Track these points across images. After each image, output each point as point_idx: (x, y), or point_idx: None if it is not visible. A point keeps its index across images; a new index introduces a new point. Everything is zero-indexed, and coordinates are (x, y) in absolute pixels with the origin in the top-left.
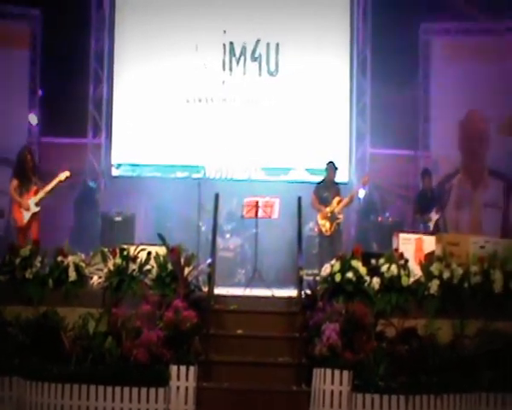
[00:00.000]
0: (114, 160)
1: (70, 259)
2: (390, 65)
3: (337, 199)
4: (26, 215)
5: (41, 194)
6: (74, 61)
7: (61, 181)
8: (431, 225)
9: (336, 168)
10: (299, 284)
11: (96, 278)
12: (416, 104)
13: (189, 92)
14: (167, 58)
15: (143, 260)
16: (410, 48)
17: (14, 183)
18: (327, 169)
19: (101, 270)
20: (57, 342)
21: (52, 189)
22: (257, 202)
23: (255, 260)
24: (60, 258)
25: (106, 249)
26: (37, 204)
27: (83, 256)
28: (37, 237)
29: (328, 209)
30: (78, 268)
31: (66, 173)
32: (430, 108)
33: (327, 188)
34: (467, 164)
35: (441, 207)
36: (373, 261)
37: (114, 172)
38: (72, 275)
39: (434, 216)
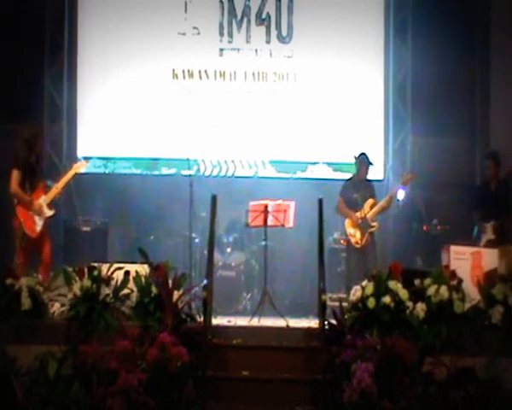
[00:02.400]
0: (80, 152)
1: (23, 281)
2: (438, 27)
3: (370, 202)
4: (39, 222)
5: (53, 192)
6: (24, 22)
7: (77, 174)
8: (483, 238)
9: (370, 163)
10: (322, 311)
11: (57, 306)
12: (472, 79)
13: (177, 65)
14: (147, 19)
15: (119, 282)
16: (465, 4)
17: (16, 174)
18: (357, 163)
19: (65, 295)
20: (6, 390)
21: (65, 185)
22: (266, 207)
23: (264, 281)
24: (9, 281)
25: (70, 269)
26: (49, 206)
27: (40, 278)
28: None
29: (358, 215)
30: (33, 294)
31: (84, 163)
32: (491, 85)
33: (357, 188)
34: None
35: (501, 222)
36: (416, 282)
37: None
38: (26, 303)
39: (490, 234)
